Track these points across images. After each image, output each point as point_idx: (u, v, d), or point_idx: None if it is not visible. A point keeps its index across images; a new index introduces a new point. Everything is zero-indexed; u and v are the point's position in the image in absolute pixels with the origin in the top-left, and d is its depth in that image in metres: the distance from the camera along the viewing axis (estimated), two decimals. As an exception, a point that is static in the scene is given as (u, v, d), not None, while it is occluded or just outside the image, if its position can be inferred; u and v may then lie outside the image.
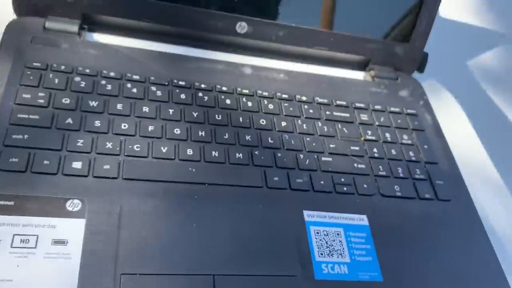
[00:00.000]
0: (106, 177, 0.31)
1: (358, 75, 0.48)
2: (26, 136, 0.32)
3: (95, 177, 0.31)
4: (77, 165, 0.31)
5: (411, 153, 0.41)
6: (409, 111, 0.45)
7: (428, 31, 0.47)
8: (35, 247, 0.27)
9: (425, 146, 0.42)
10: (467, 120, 0.50)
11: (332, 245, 0.33)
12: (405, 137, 0.42)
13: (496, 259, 0.37)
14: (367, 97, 0.45)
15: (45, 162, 0.31)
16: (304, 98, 0.42)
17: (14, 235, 0.27)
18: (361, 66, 0.48)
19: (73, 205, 0.29)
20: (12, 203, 0.28)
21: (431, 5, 0.46)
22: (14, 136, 0.31)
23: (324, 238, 0.33)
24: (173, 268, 0.29)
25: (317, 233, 0.34)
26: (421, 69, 0.50)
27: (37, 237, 0.27)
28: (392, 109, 0.44)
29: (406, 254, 0.34)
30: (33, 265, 0.26)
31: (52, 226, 0.28)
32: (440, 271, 0.34)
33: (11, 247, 0.27)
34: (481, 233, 0.38)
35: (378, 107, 0.44)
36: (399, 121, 0.43)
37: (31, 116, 0.33)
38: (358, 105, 0.43)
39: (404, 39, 0.47)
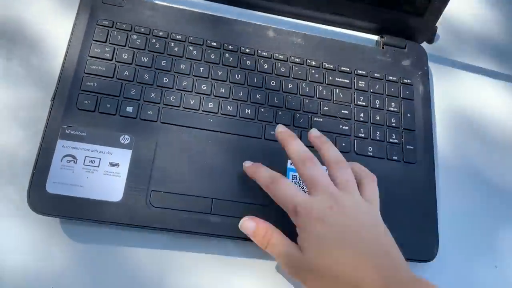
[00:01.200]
0: (150, 120, 0.45)
1: (371, 41, 0.55)
2: (95, 83, 0.45)
3: (142, 119, 0.45)
4: (129, 109, 0.45)
5: (393, 120, 0.50)
6: (405, 80, 0.52)
7: (442, 7, 0.52)
8: (98, 166, 0.42)
9: (408, 115, 0.51)
10: (465, 93, 0.57)
11: (303, 187, 0.45)
12: (392, 105, 0.51)
13: (434, 220, 0.47)
14: (371, 65, 0.52)
15: (108, 105, 0.44)
16: (313, 63, 0.51)
17: (85, 157, 0.42)
18: (376, 32, 0.55)
19: (125, 139, 0.43)
20: (85, 134, 0.43)
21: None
22: (87, 83, 0.45)
23: (298, 182, 0.45)
24: (187, 190, 0.43)
25: (294, 177, 0.46)
26: (430, 40, 0.56)
27: (100, 160, 0.42)
28: (390, 77, 0.52)
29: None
30: (96, 178, 0.41)
31: (109, 153, 0.42)
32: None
33: (83, 164, 0.42)
34: (431, 195, 0.48)
35: (377, 75, 0.52)
36: (392, 89, 0.52)
37: (99, 68, 0.45)
38: (359, 72, 0.52)
39: (419, 12, 0.52)
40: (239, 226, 0.41)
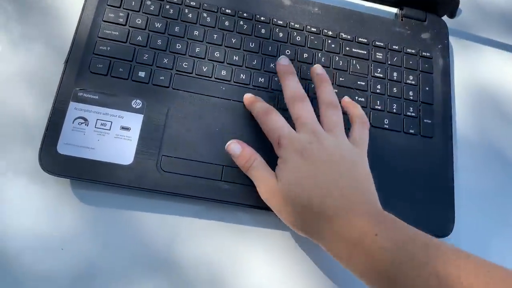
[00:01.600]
0: (162, 86, 0.44)
1: (390, 15, 0.54)
2: (108, 48, 0.44)
3: (154, 84, 0.44)
4: (142, 74, 0.44)
5: (411, 93, 0.49)
6: (424, 53, 0.51)
7: (465, -22, 0.50)
8: (109, 130, 0.42)
9: (427, 88, 0.49)
10: (486, 68, 0.55)
11: (317, 158, 0.44)
12: (410, 77, 0.50)
13: (451, 196, 0.45)
14: (389, 37, 0.51)
15: (120, 69, 0.44)
16: (330, 33, 0.50)
17: (97, 119, 0.42)
18: (395, 4, 0.53)
19: (136, 103, 0.43)
20: (97, 97, 0.42)
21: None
22: (100, 47, 0.44)
23: (312, 152, 0.45)
24: (198, 156, 0.42)
25: (307, 148, 0.45)
26: (452, 15, 0.54)
27: (111, 123, 0.42)
28: (409, 50, 0.51)
29: (374, 174, 0.45)
30: (107, 141, 0.41)
31: (121, 116, 0.42)
32: (397, 193, 0.45)
33: (95, 127, 0.41)
34: (448, 170, 0.47)
35: (395, 47, 0.50)
36: (410, 62, 0.50)
37: (113, 32, 0.45)
38: (377, 43, 0.50)
39: (440, -16, 0.51)
40: (225, 147, 0.42)
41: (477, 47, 0.56)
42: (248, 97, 0.44)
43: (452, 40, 0.55)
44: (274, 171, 0.40)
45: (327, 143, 0.39)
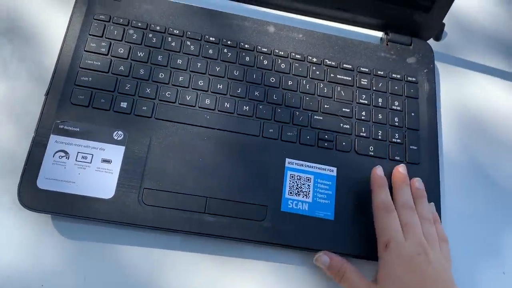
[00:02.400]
0: (144, 116, 0.44)
1: (376, 39, 0.53)
2: (90, 78, 0.44)
3: (136, 115, 0.44)
4: (124, 104, 0.44)
5: (396, 119, 0.49)
6: (409, 78, 0.51)
7: (450, 3, 0.50)
8: (90, 163, 0.41)
9: (412, 114, 0.49)
10: (473, 92, 0.55)
11: (301, 187, 0.44)
12: (396, 103, 0.49)
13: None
14: (374, 62, 0.51)
15: (102, 100, 0.43)
16: (314, 60, 0.49)
17: (78, 152, 0.41)
18: (380, 28, 0.53)
19: (118, 135, 0.42)
20: (78, 129, 0.42)
21: (457, -22, 0.49)
22: (82, 78, 0.44)
23: (296, 181, 0.44)
24: (180, 188, 0.42)
25: (292, 176, 0.44)
26: (437, 37, 0.54)
27: (92, 156, 0.41)
28: (394, 75, 0.50)
29: (359, 202, 0.44)
30: (88, 174, 0.41)
31: (102, 149, 0.42)
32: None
33: (76, 160, 0.41)
34: (435, 197, 0.46)
35: (380, 72, 0.50)
36: (396, 87, 0.50)
37: (94, 62, 0.45)
38: (362, 69, 0.50)
39: (425, 8, 0.51)
40: (314, 260, 0.43)
41: (463, 70, 0.56)
42: (377, 175, 0.44)
43: (438, 63, 0.55)
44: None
45: (432, 256, 0.40)
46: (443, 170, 0.50)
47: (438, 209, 0.46)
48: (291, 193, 0.44)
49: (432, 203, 0.45)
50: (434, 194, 0.46)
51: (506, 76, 0.57)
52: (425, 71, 0.52)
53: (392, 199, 0.43)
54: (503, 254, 0.48)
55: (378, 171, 0.45)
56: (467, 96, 0.55)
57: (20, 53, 0.46)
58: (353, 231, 0.44)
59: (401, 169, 0.46)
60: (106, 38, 0.46)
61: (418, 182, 0.46)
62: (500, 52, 0.58)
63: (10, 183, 0.40)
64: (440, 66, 0.55)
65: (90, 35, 0.46)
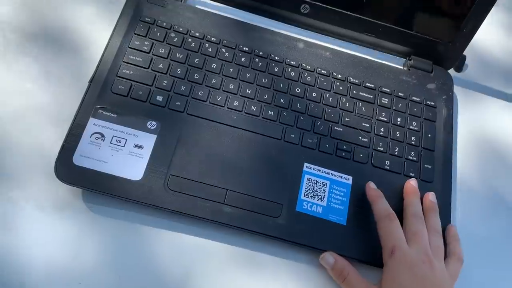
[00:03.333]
0: (177, 110, 0.47)
1: (399, 62, 0.57)
2: (131, 72, 0.48)
3: (169, 108, 0.47)
4: (159, 98, 0.47)
5: (413, 138, 0.51)
6: (428, 102, 0.53)
7: (471, 35, 0.53)
8: (123, 146, 0.44)
9: (429, 135, 0.51)
10: (491, 120, 0.57)
11: (317, 191, 0.46)
12: (414, 124, 0.52)
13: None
14: (396, 84, 0.54)
15: (140, 92, 0.47)
16: (339, 76, 0.53)
17: (113, 136, 0.44)
18: (404, 54, 0.56)
19: (152, 124, 0.46)
20: (115, 115, 0.45)
21: (479, 12, 0.52)
22: (124, 71, 0.48)
23: (313, 185, 0.46)
24: (204, 179, 0.44)
25: (309, 180, 0.47)
26: (458, 69, 0.57)
27: (126, 140, 0.44)
28: (414, 98, 0.53)
29: (371, 211, 0.46)
30: (121, 157, 0.44)
31: (136, 135, 0.45)
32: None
33: (110, 143, 0.44)
34: (446, 215, 0.48)
35: (401, 94, 0.53)
36: (415, 109, 0.52)
37: (137, 58, 0.49)
38: (384, 89, 0.53)
39: (448, 39, 0.54)
40: (319, 259, 0.44)
41: (481, 98, 0.58)
42: (372, 189, 0.46)
43: (458, 90, 0.57)
44: None
45: (436, 268, 0.41)
46: (455, 192, 0.51)
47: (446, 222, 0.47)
48: (307, 195, 0.46)
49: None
50: (445, 213, 0.48)
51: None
52: (444, 97, 0.54)
53: (403, 210, 0.45)
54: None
55: (372, 185, 0.47)
56: (485, 124, 0.57)
57: (67, 61, 0.50)
58: (363, 237, 0.45)
59: (412, 182, 0.48)
60: (150, 38, 0.50)
61: (431, 196, 0.47)
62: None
63: (50, 160, 0.43)
64: (460, 94, 0.57)
65: (135, 34, 0.50)
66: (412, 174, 0.49)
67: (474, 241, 0.49)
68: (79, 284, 0.41)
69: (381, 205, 0.45)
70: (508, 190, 0.53)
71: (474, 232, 0.50)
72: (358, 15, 0.53)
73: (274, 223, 0.44)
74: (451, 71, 0.58)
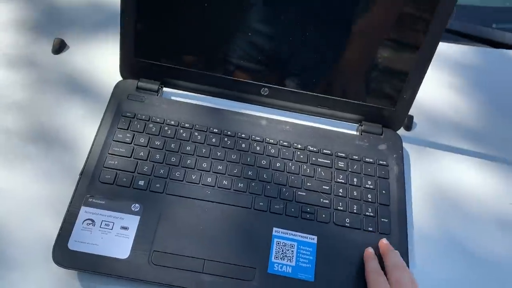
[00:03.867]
0: (157, 192, 0.54)
1: (352, 128, 0.64)
2: (116, 162, 0.55)
3: (150, 191, 0.54)
4: (141, 182, 0.54)
5: (369, 196, 0.57)
6: (381, 162, 0.60)
7: (411, 100, 0.61)
8: (111, 229, 0.51)
9: (383, 191, 0.58)
10: (442, 171, 0.64)
11: (286, 253, 0.52)
12: (369, 182, 0.58)
13: None
14: (350, 148, 0.61)
15: (124, 179, 0.54)
16: (299, 146, 0.60)
17: (102, 220, 0.51)
18: (355, 121, 0.64)
19: (135, 207, 0.52)
20: (103, 202, 0.52)
21: (415, 80, 0.59)
22: (109, 162, 0.55)
23: (282, 248, 0.52)
24: (183, 251, 0.50)
25: (278, 243, 0.52)
26: (408, 128, 0.64)
27: (113, 224, 0.51)
28: (367, 159, 0.60)
29: (336, 266, 0.52)
30: (109, 239, 0.50)
31: (122, 218, 0.51)
32: (356, 283, 0.51)
33: (100, 227, 0.50)
34: (405, 261, 0.53)
35: (355, 157, 0.60)
36: (369, 169, 0.59)
37: (120, 149, 0.56)
38: (340, 154, 0.60)
39: (391, 105, 0.62)
40: None
41: (432, 152, 0.65)
42: (369, 251, 0.53)
43: (409, 147, 0.64)
44: None
45: None
46: (413, 239, 0.57)
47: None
48: (277, 257, 0.52)
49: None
50: (404, 260, 0.53)
51: (471, 154, 0.66)
52: (394, 156, 0.61)
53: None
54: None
55: (370, 249, 0.53)
56: (436, 176, 0.63)
57: (59, 157, 0.58)
58: (331, 291, 0.51)
59: (384, 241, 0.54)
60: (131, 130, 0.58)
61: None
62: (464, 136, 0.68)
63: (46, 245, 0.50)
64: (411, 150, 0.65)
65: (119, 128, 0.58)
66: (371, 229, 0.55)
67: (433, 284, 0.54)
68: None
69: (372, 264, 0.51)
70: (463, 234, 0.59)
71: (433, 275, 0.55)
72: (311, 93, 0.62)
73: (249, 286, 0.50)
74: (402, 131, 0.65)
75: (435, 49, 0.57)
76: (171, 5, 0.57)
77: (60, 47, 0.67)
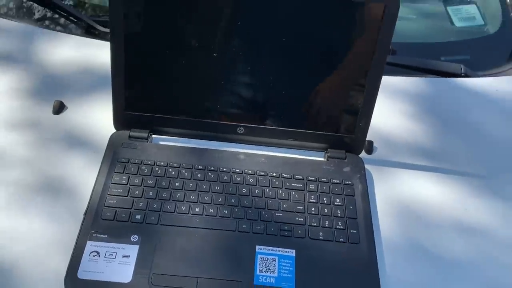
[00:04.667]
0: (152, 223, 0.62)
1: (319, 155, 0.73)
2: (115, 201, 0.63)
3: (146, 223, 0.62)
4: (138, 216, 0.62)
5: (338, 211, 0.65)
6: (346, 182, 0.69)
7: (366, 128, 0.70)
8: (114, 258, 0.58)
9: (351, 207, 0.66)
10: (401, 185, 0.73)
11: (269, 266, 0.59)
12: (337, 200, 0.67)
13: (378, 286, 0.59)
14: (319, 173, 0.70)
15: (123, 215, 0.62)
16: (274, 174, 0.69)
17: (106, 251, 0.58)
18: (322, 149, 0.73)
19: (134, 238, 0.60)
20: (106, 236, 0.60)
21: (367, 110, 0.69)
22: (109, 201, 0.63)
23: (265, 262, 0.60)
24: (179, 272, 0.57)
25: (261, 258, 0.60)
26: (369, 152, 0.74)
27: (116, 253, 0.58)
28: (334, 180, 0.69)
29: (313, 274, 0.59)
30: (113, 266, 0.57)
31: (123, 248, 0.59)
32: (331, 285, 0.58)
33: (104, 257, 0.58)
34: (373, 268, 0.61)
35: (324, 179, 0.69)
36: (336, 189, 0.68)
37: (118, 190, 0.64)
38: (310, 178, 0.69)
39: (350, 133, 0.71)
40: None
41: (392, 171, 0.74)
42: None
43: (371, 168, 0.73)
44: None
45: None
46: (381, 247, 0.64)
47: (377, 279, 0.60)
48: (261, 270, 0.59)
49: None
50: (372, 267, 0.61)
51: (427, 170, 0.75)
52: (358, 176, 0.70)
53: None
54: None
55: None
56: (397, 190, 0.72)
57: (66, 205, 0.66)
58: (310, 295, 0.58)
59: None
60: (126, 173, 0.66)
61: None
62: (419, 155, 0.77)
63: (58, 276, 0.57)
64: (374, 171, 0.73)
65: (115, 172, 0.66)
66: (342, 239, 0.63)
67: (401, 287, 0.61)
68: None
69: None
70: (426, 240, 0.66)
71: (401, 279, 0.62)
72: (281, 128, 0.71)
73: (238, 297, 0.57)
74: (364, 155, 0.74)
75: (379, 83, 0.67)
76: (153, 67, 0.68)
77: (59, 108, 0.77)
